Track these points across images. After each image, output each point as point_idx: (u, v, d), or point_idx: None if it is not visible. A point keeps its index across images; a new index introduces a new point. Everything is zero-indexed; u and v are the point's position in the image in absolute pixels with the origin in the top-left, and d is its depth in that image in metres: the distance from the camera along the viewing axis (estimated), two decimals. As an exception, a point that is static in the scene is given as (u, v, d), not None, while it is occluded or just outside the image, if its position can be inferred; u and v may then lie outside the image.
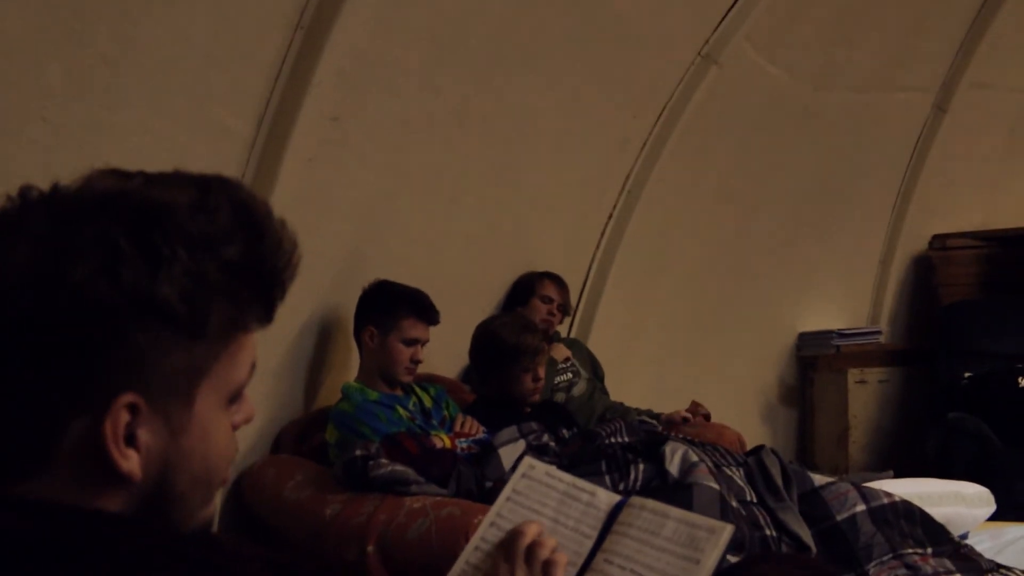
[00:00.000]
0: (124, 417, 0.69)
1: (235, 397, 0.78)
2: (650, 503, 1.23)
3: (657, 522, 1.19)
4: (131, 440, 0.71)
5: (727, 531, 1.15)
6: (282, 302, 0.76)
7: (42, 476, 0.71)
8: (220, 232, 0.70)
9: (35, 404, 0.69)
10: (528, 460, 1.36)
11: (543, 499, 1.29)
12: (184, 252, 0.69)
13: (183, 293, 0.69)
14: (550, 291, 3.39)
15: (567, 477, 1.31)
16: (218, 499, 1.55)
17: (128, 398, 0.69)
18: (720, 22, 3.62)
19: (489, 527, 1.27)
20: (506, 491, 1.31)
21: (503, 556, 1.16)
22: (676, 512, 1.20)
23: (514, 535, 1.17)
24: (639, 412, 3.23)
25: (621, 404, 3.33)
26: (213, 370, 0.74)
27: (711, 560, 1.13)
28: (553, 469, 1.33)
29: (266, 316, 0.76)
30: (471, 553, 1.26)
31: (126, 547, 0.69)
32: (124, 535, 0.71)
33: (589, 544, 1.22)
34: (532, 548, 1.15)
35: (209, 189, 0.72)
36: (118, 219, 0.68)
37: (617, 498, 1.26)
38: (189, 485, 0.75)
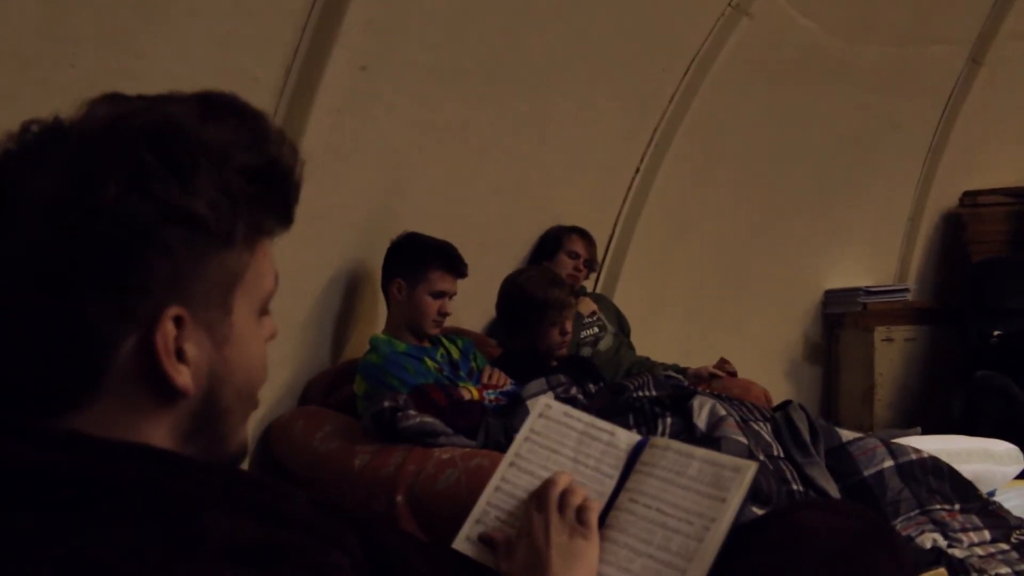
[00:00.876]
0: (171, 330, 0.70)
1: (265, 308, 0.79)
2: (675, 444, 1.23)
3: (682, 462, 1.20)
4: (180, 355, 0.72)
5: (752, 469, 1.17)
6: (297, 204, 0.77)
7: (93, 404, 0.71)
8: (232, 140, 0.72)
9: (83, 329, 0.69)
10: (545, 400, 1.36)
11: (562, 439, 1.29)
12: (205, 162, 0.70)
13: (210, 202, 0.70)
14: (577, 246, 3.37)
15: (585, 417, 1.32)
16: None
17: (173, 311, 0.70)
18: (752, -28, 3.55)
19: (509, 467, 1.28)
20: (524, 431, 1.32)
21: (536, 506, 1.16)
22: (701, 452, 1.21)
23: (546, 485, 1.17)
24: (665, 367, 3.22)
25: (647, 359, 3.32)
26: (245, 277, 0.75)
27: (736, 499, 1.14)
28: (570, 409, 1.33)
29: (286, 218, 0.77)
30: (491, 494, 1.27)
31: (175, 484, 0.70)
32: (173, 472, 0.71)
33: (611, 483, 1.23)
34: (565, 496, 1.15)
35: (209, 101, 0.73)
36: (137, 137, 0.69)
37: (637, 438, 1.27)
38: (234, 398, 0.77)
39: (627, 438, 1.27)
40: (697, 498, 1.16)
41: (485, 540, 1.20)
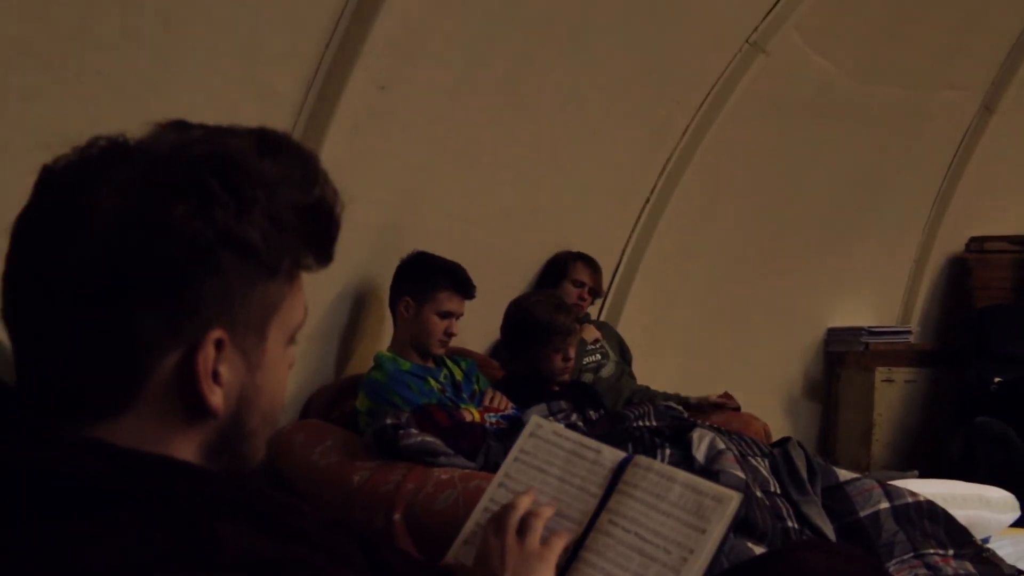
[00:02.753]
0: (212, 352, 0.73)
1: (293, 338, 0.82)
2: (656, 464, 1.21)
3: (663, 485, 1.18)
4: (215, 376, 0.74)
5: (734, 501, 1.13)
6: (336, 242, 0.80)
7: (127, 413, 0.73)
8: (284, 176, 0.74)
9: (134, 340, 0.71)
10: (535, 419, 1.34)
11: (550, 458, 1.28)
12: (262, 194, 0.72)
13: (263, 232, 0.73)
14: (582, 274, 3.38)
15: (573, 435, 1.30)
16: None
17: (216, 333, 0.73)
18: (770, 10, 3.58)
19: (498, 488, 1.28)
20: (514, 451, 1.31)
21: (493, 530, 1.14)
22: (682, 476, 1.18)
23: (505, 509, 1.16)
24: (666, 396, 3.23)
25: (647, 388, 3.33)
26: (282, 308, 0.78)
27: (718, 531, 1.11)
28: (560, 427, 1.32)
29: (327, 255, 0.80)
30: (480, 514, 1.26)
31: (191, 494, 0.71)
32: (189, 481, 0.72)
33: (595, 503, 1.21)
34: (527, 519, 1.14)
35: (265, 138, 0.76)
36: (204, 164, 0.72)
37: (622, 455, 1.25)
38: (260, 421, 0.80)
39: (612, 455, 1.25)
40: (677, 526, 1.13)
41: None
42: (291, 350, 0.84)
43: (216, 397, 0.74)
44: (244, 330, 0.75)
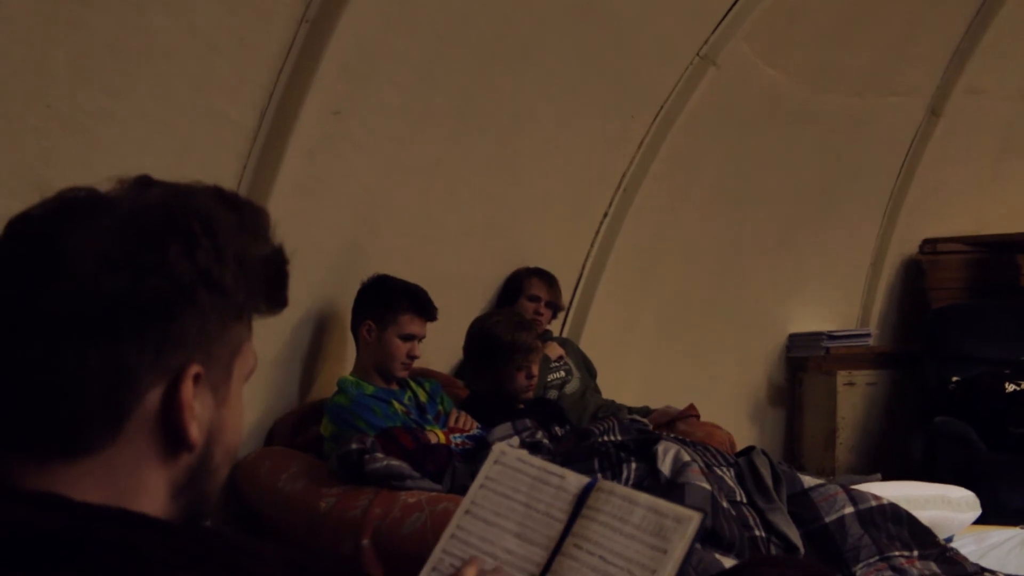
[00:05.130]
0: (191, 386, 0.76)
1: (246, 380, 0.86)
2: (619, 488, 1.24)
3: (626, 508, 1.20)
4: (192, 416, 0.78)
5: (694, 521, 1.16)
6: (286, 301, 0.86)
7: (104, 451, 0.74)
8: (248, 228, 0.81)
9: (121, 376, 0.74)
10: (499, 446, 1.37)
11: (515, 484, 1.30)
12: (232, 242, 0.78)
13: (234, 276, 0.78)
14: (537, 289, 3.37)
15: (537, 462, 1.32)
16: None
17: (195, 368, 0.77)
18: (719, 23, 3.63)
19: (464, 515, 1.29)
20: (479, 478, 1.32)
21: None
22: (644, 499, 1.21)
23: (462, 569, 1.18)
24: (631, 410, 3.24)
25: (613, 402, 3.34)
26: (243, 349, 0.83)
27: (679, 551, 1.14)
28: (524, 454, 1.34)
29: (282, 301, 0.85)
30: (447, 541, 1.28)
31: (146, 545, 0.71)
32: (144, 532, 0.72)
33: (559, 527, 1.23)
34: None
35: (225, 194, 0.82)
36: (189, 212, 0.77)
37: (586, 480, 1.27)
38: (223, 457, 0.83)
39: (576, 481, 1.28)
40: (639, 547, 1.16)
41: None
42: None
43: (195, 430, 0.77)
44: (216, 367, 0.80)
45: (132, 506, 0.75)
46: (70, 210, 0.76)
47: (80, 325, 0.72)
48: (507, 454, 1.34)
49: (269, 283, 0.82)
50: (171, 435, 0.76)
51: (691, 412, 3.20)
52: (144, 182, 0.80)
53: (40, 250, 0.74)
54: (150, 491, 0.77)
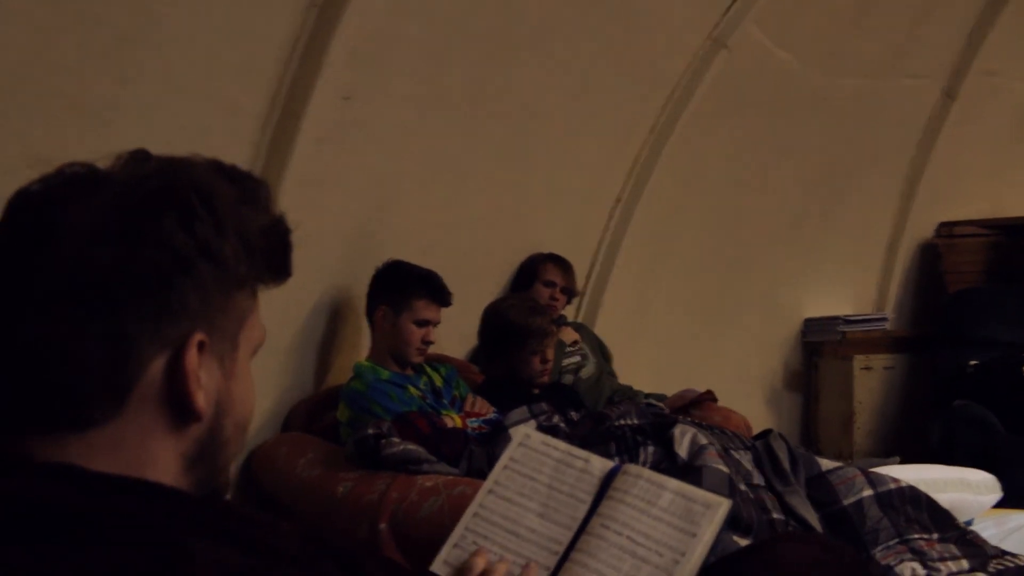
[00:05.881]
0: (196, 355, 0.77)
1: (255, 353, 0.87)
2: (647, 472, 1.26)
3: (654, 492, 1.22)
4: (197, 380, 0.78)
5: (724, 507, 1.18)
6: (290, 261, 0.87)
7: (112, 423, 0.75)
8: (247, 199, 0.82)
9: (121, 346, 0.74)
10: (524, 430, 1.39)
11: (539, 466, 1.31)
12: (232, 213, 0.79)
13: (234, 247, 0.79)
14: (553, 275, 3.37)
15: (562, 445, 1.34)
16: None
17: (199, 336, 0.77)
18: (730, 6, 3.60)
19: (487, 494, 1.31)
20: (503, 460, 1.34)
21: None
22: (673, 483, 1.22)
23: (472, 558, 1.20)
24: (647, 395, 3.24)
25: (629, 387, 3.34)
26: (249, 320, 0.84)
27: (708, 534, 1.15)
28: (549, 438, 1.36)
29: (284, 271, 0.86)
30: (470, 519, 1.29)
31: (164, 515, 0.72)
32: (163, 503, 0.73)
33: (584, 508, 1.25)
34: (495, 567, 1.17)
35: (222, 166, 0.83)
36: (188, 185, 0.78)
37: (611, 464, 1.29)
38: (234, 430, 0.83)
39: (601, 465, 1.29)
40: (667, 530, 1.17)
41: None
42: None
43: (201, 399, 0.78)
44: (221, 337, 0.80)
45: (140, 470, 0.75)
46: (67, 185, 0.77)
47: (78, 297, 0.73)
48: (531, 437, 1.36)
49: (271, 253, 0.83)
50: (177, 405, 0.77)
51: (708, 397, 3.19)
52: (141, 156, 0.81)
53: (37, 226, 0.75)
54: (160, 463, 0.77)
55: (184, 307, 0.76)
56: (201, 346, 0.77)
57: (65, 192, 0.76)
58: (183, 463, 0.79)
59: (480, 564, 1.19)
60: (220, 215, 0.77)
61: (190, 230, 0.75)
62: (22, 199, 0.77)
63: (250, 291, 0.83)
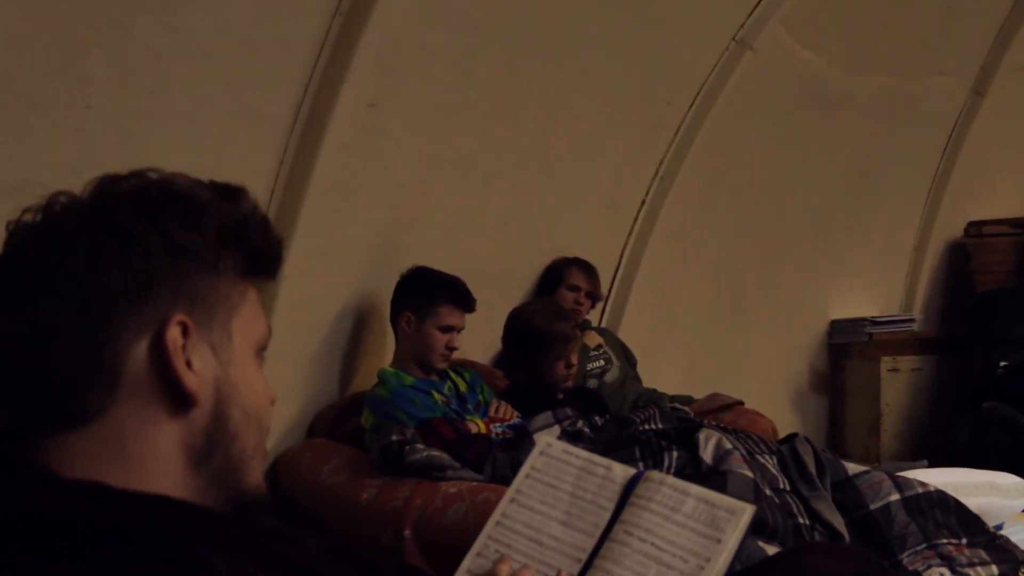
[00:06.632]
0: (178, 336, 0.79)
1: (260, 352, 0.89)
2: (669, 479, 1.25)
3: (677, 499, 1.22)
4: (188, 365, 0.80)
5: (747, 513, 1.18)
6: (279, 265, 0.91)
7: (107, 413, 0.77)
8: (228, 199, 0.86)
9: (99, 331, 0.77)
10: (545, 439, 1.38)
11: (560, 475, 1.31)
12: (206, 209, 0.83)
13: (206, 238, 0.82)
14: (577, 279, 3.37)
15: (583, 453, 1.34)
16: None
17: (179, 317, 0.80)
18: (755, 7, 3.59)
19: (510, 503, 1.31)
20: (525, 468, 1.34)
21: None
22: (696, 490, 1.22)
23: (496, 566, 1.19)
24: (672, 398, 3.23)
25: (653, 391, 3.33)
26: (240, 312, 0.86)
27: (732, 540, 1.15)
28: (570, 446, 1.36)
29: (271, 261, 0.89)
30: (492, 528, 1.29)
31: (188, 531, 0.73)
32: (187, 519, 0.74)
33: (607, 515, 1.25)
34: (519, 573, 1.17)
35: (205, 181, 0.87)
36: (151, 185, 0.83)
37: (632, 471, 1.29)
38: (242, 419, 0.84)
39: (623, 472, 1.29)
40: (692, 536, 1.17)
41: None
42: (268, 384, 0.89)
43: (191, 379, 0.79)
44: (207, 322, 0.82)
45: (148, 472, 0.77)
46: (46, 221, 0.81)
47: (50, 293, 0.77)
48: (553, 446, 1.37)
49: (250, 244, 0.86)
50: (169, 387, 0.79)
51: (736, 402, 3.18)
52: (113, 179, 0.84)
53: (19, 261, 0.80)
54: (162, 454, 0.79)
55: (155, 290, 0.79)
56: (185, 329, 0.80)
57: (42, 231, 0.81)
58: (189, 456, 0.80)
59: (504, 571, 1.19)
60: (188, 207, 0.81)
61: (153, 220, 0.80)
62: (13, 232, 0.82)
63: (234, 281, 0.85)
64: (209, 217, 0.83)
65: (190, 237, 0.81)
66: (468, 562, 1.27)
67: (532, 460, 1.35)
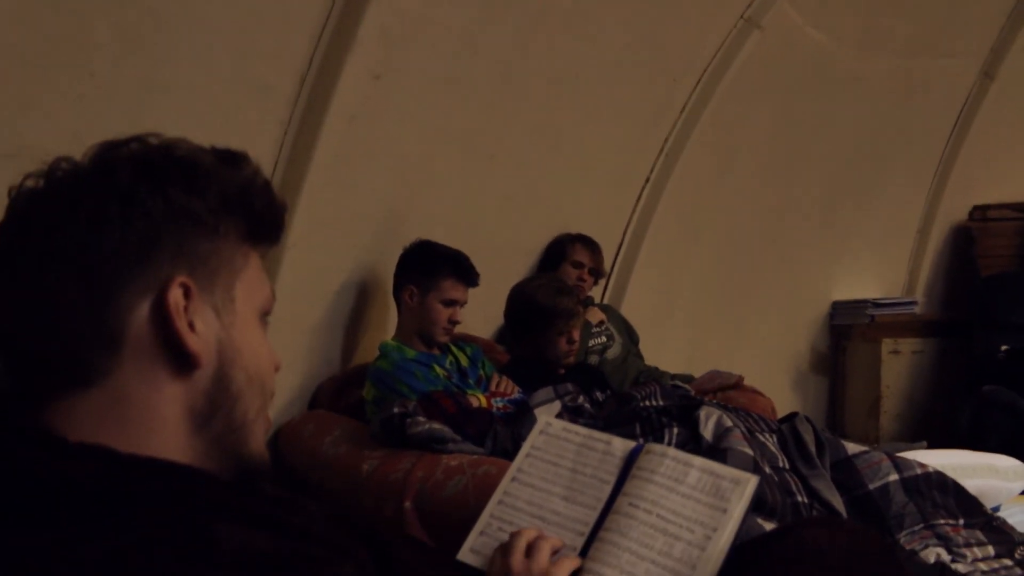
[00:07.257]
0: (180, 297, 0.79)
1: (264, 316, 0.89)
2: (671, 451, 1.26)
3: (680, 470, 1.23)
4: (191, 327, 0.80)
5: (752, 483, 1.19)
6: (281, 231, 0.91)
7: (117, 371, 0.77)
8: (231, 164, 0.85)
9: (101, 291, 0.77)
10: (545, 418, 1.40)
11: (561, 452, 1.33)
12: (208, 172, 0.83)
13: (207, 200, 0.82)
14: (581, 256, 3.37)
15: (583, 430, 1.36)
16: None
17: (180, 278, 0.80)
18: (764, -15, 3.57)
19: (511, 482, 1.33)
20: (525, 448, 1.37)
21: (501, 552, 1.20)
22: (699, 461, 1.23)
23: (514, 536, 1.21)
24: (673, 376, 3.23)
25: (655, 368, 3.33)
26: (243, 276, 0.86)
27: (738, 510, 1.16)
28: (569, 424, 1.38)
29: (272, 226, 0.89)
30: (495, 506, 1.32)
31: (190, 496, 0.73)
32: (189, 485, 0.74)
33: (608, 488, 1.27)
34: (535, 542, 1.19)
35: (207, 147, 0.86)
36: (165, 156, 0.82)
37: (632, 444, 1.30)
38: (245, 381, 0.84)
39: (623, 445, 1.31)
40: (697, 507, 1.18)
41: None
42: (273, 350, 0.89)
43: (194, 340, 0.79)
44: (209, 285, 0.82)
45: (151, 435, 0.78)
46: (48, 185, 0.81)
47: (52, 256, 0.77)
48: (552, 424, 1.39)
49: (252, 207, 0.86)
50: (172, 348, 0.79)
51: (737, 383, 3.18)
52: (115, 144, 0.84)
53: (19, 215, 0.81)
54: (164, 415, 0.79)
55: (156, 252, 0.79)
56: (187, 291, 0.80)
57: (43, 197, 0.80)
58: (192, 418, 0.80)
59: (531, 533, 1.21)
60: (190, 171, 0.81)
61: (155, 183, 0.79)
62: (14, 198, 0.82)
63: (236, 244, 0.85)
64: (211, 181, 0.82)
65: (192, 200, 0.81)
66: (472, 540, 1.29)
67: (532, 439, 1.37)
